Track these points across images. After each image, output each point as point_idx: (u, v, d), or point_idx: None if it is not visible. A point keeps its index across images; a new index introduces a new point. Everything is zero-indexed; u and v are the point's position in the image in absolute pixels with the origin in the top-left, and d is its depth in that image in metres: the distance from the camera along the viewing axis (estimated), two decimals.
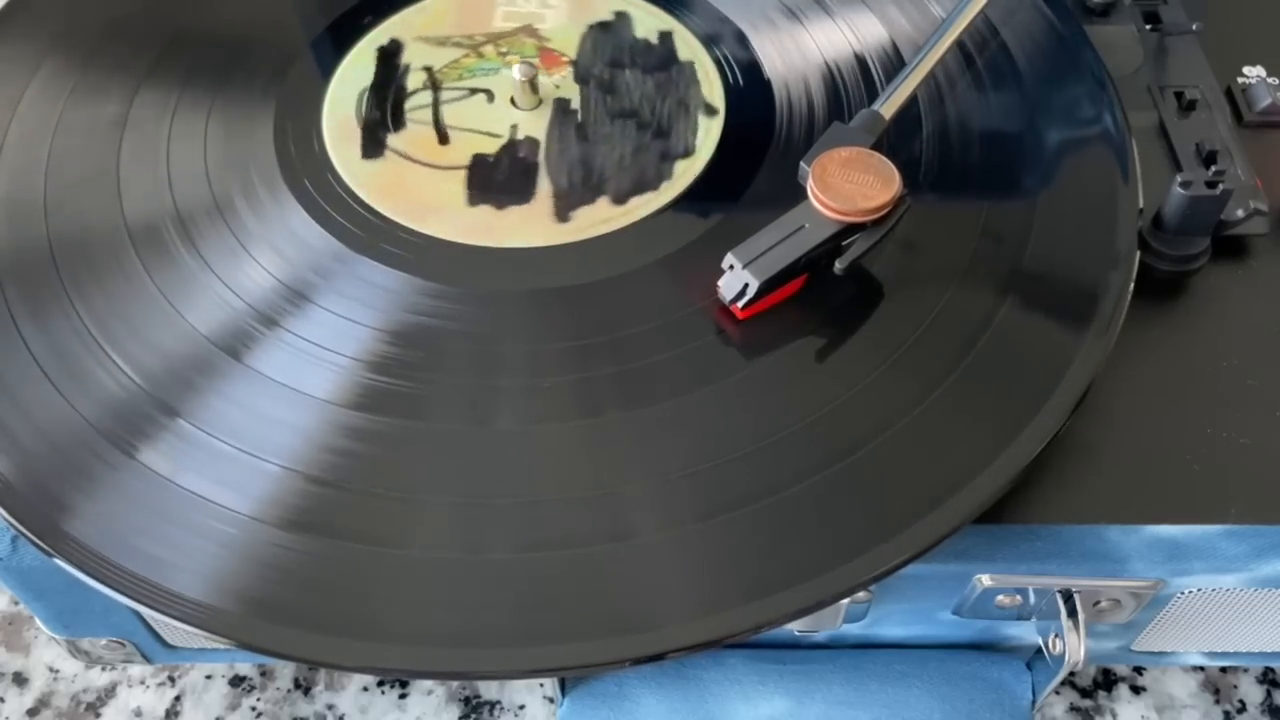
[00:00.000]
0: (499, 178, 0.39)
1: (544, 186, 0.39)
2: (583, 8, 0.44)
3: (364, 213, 0.38)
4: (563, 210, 0.38)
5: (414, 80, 0.42)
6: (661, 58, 0.42)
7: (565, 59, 0.42)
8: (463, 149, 0.40)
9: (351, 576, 0.31)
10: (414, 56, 0.43)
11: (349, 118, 0.41)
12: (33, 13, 0.44)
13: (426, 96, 0.42)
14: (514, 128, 0.41)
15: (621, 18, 0.44)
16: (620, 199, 0.38)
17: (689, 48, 0.42)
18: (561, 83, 0.42)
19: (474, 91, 0.42)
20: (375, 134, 0.41)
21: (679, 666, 0.38)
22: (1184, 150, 0.41)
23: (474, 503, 0.32)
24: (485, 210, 0.38)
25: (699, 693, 0.37)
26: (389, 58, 0.43)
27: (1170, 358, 0.37)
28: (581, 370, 0.34)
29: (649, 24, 0.43)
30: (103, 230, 0.38)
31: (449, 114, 0.41)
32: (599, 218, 0.38)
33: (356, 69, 0.43)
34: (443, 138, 0.41)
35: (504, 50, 0.43)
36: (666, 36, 0.42)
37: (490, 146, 0.40)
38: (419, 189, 0.39)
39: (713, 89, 0.41)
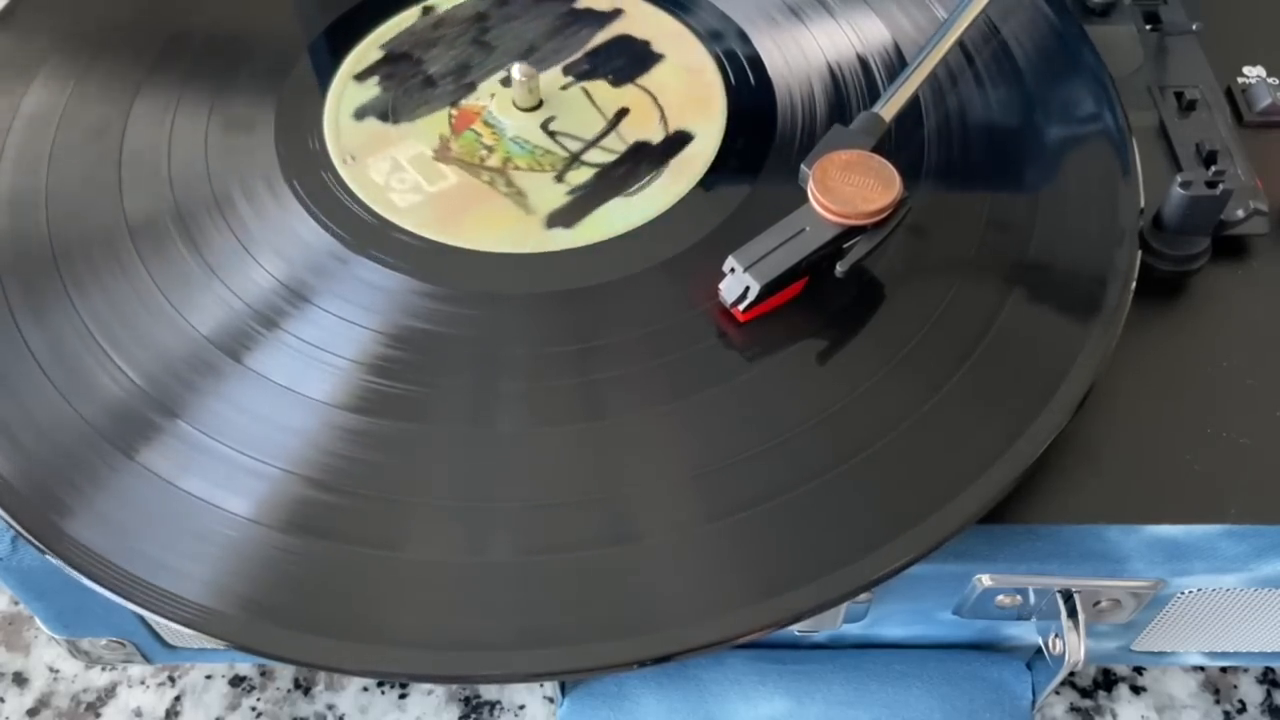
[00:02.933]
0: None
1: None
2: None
3: (365, 214, 0.38)
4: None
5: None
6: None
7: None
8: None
9: (351, 579, 0.31)
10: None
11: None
12: (34, 12, 0.44)
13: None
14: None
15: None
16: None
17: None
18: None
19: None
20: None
21: (679, 666, 0.38)
22: (1184, 150, 0.41)
23: (475, 506, 0.32)
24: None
25: (699, 693, 0.37)
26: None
27: (1170, 358, 0.37)
28: (583, 373, 0.34)
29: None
30: (104, 230, 0.38)
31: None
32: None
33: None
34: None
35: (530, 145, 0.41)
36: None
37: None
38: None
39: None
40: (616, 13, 0.44)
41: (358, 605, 0.30)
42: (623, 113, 0.41)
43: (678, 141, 0.41)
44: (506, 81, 0.42)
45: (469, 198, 0.39)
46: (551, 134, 0.41)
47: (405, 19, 0.44)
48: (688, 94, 0.42)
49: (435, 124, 0.41)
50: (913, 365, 0.34)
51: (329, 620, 0.30)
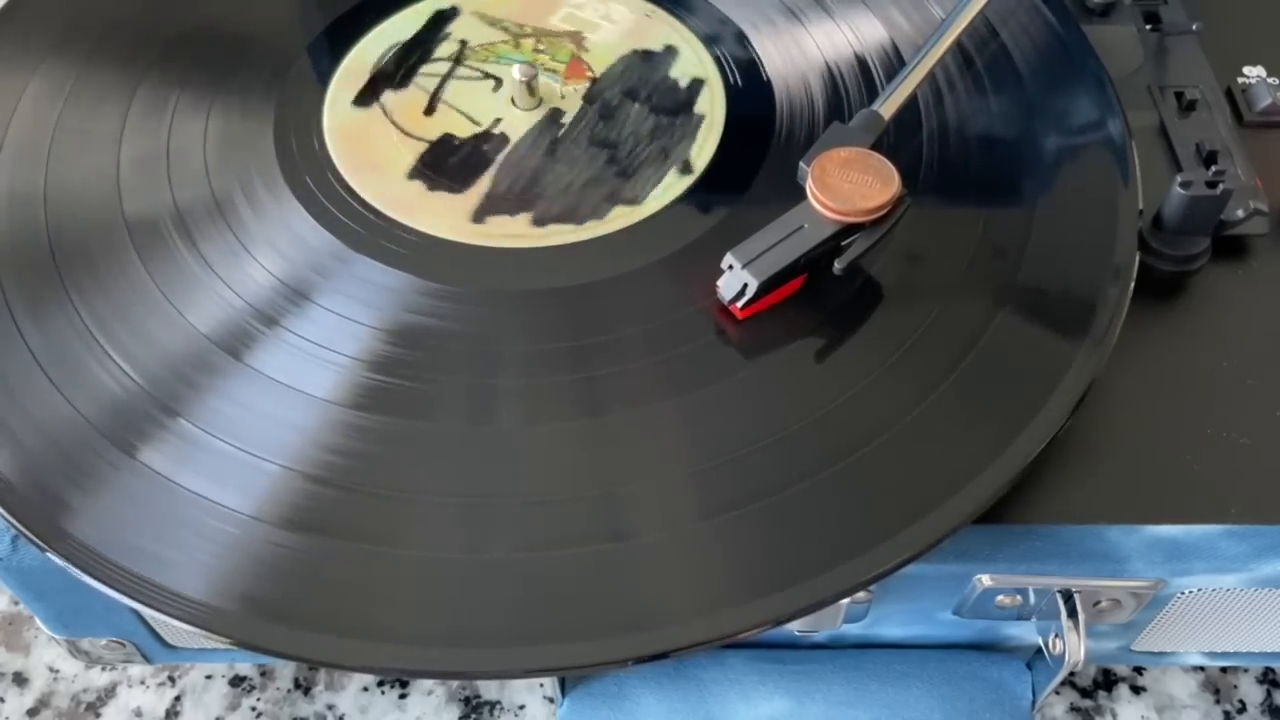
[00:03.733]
0: (451, 161, 0.40)
1: (482, 184, 0.39)
2: (638, 32, 0.44)
3: (364, 211, 0.38)
4: (481, 213, 0.38)
5: (444, 49, 0.43)
6: (677, 103, 0.41)
7: (589, 74, 0.42)
8: (439, 125, 0.41)
9: (352, 576, 0.31)
10: (461, 27, 0.43)
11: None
12: (33, 12, 0.44)
13: (443, 67, 0.42)
14: (497, 121, 0.41)
15: (668, 52, 0.43)
16: (541, 222, 0.38)
17: (710, 102, 0.41)
18: (569, 94, 0.42)
19: (487, 76, 0.42)
20: (377, 85, 0.42)
21: (679, 666, 0.38)
22: (1184, 150, 0.41)
23: (474, 502, 0.32)
24: (416, 185, 0.39)
25: (699, 693, 0.37)
26: (440, 21, 0.44)
27: (1170, 358, 0.37)
28: (581, 370, 0.34)
29: (688, 68, 0.42)
30: (103, 229, 0.38)
31: (452, 90, 0.42)
32: (509, 231, 0.38)
33: (399, 26, 0.44)
34: (430, 109, 0.41)
35: (541, 48, 0.43)
36: (697, 84, 0.42)
37: (464, 130, 0.41)
38: (376, 147, 0.40)
39: (703, 150, 0.40)
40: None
41: (357, 602, 0.30)
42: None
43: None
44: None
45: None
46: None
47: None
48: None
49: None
50: (911, 363, 0.34)
51: (328, 617, 0.30)
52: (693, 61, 0.42)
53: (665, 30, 0.43)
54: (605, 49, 0.43)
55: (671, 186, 0.39)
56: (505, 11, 0.44)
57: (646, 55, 0.43)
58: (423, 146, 0.40)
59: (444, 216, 0.38)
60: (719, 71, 0.42)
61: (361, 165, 0.39)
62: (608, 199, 0.38)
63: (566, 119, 0.41)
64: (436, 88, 0.42)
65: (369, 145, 0.40)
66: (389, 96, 0.41)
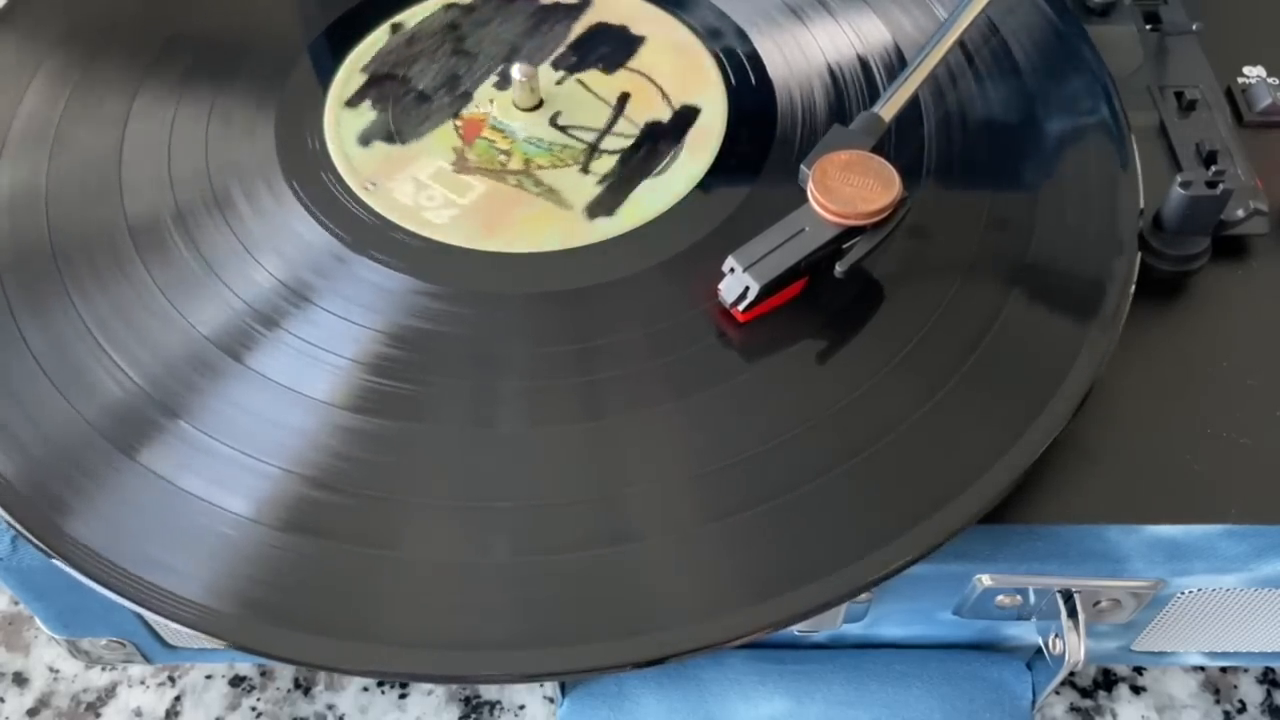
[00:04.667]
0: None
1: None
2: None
3: (364, 213, 0.38)
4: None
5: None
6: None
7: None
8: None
9: (351, 579, 0.31)
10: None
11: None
12: (34, 12, 0.44)
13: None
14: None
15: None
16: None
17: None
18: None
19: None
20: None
21: (679, 667, 0.38)
22: (1184, 150, 0.41)
23: (475, 505, 0.32)
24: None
25: (699, 693, 0.37)
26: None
27: (1170, 358, 0.37)
28: (583, 373, 0.34)
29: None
30: (104, 230, 0.38)
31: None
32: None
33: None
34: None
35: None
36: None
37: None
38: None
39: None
40: (585, 3, 0.44)
41: (357, 605, 0.30)
42: (625, 97, 0.42)
43: (687, 116, 0.41)
44: (501, 85, 0.42)
45: (504, 203, 0.39)
46: (562, 129, 0.41)
47: (376, 39, 0.43)
48: (681, 70, 0.42)
49: (444, 138, 0.41)
50: (912, 365, 0.34)
51: (328, 620, 0.30)
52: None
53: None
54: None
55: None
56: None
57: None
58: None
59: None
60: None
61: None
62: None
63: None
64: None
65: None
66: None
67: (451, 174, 0.39)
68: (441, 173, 0.39)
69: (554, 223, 0.38)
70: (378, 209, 0.38)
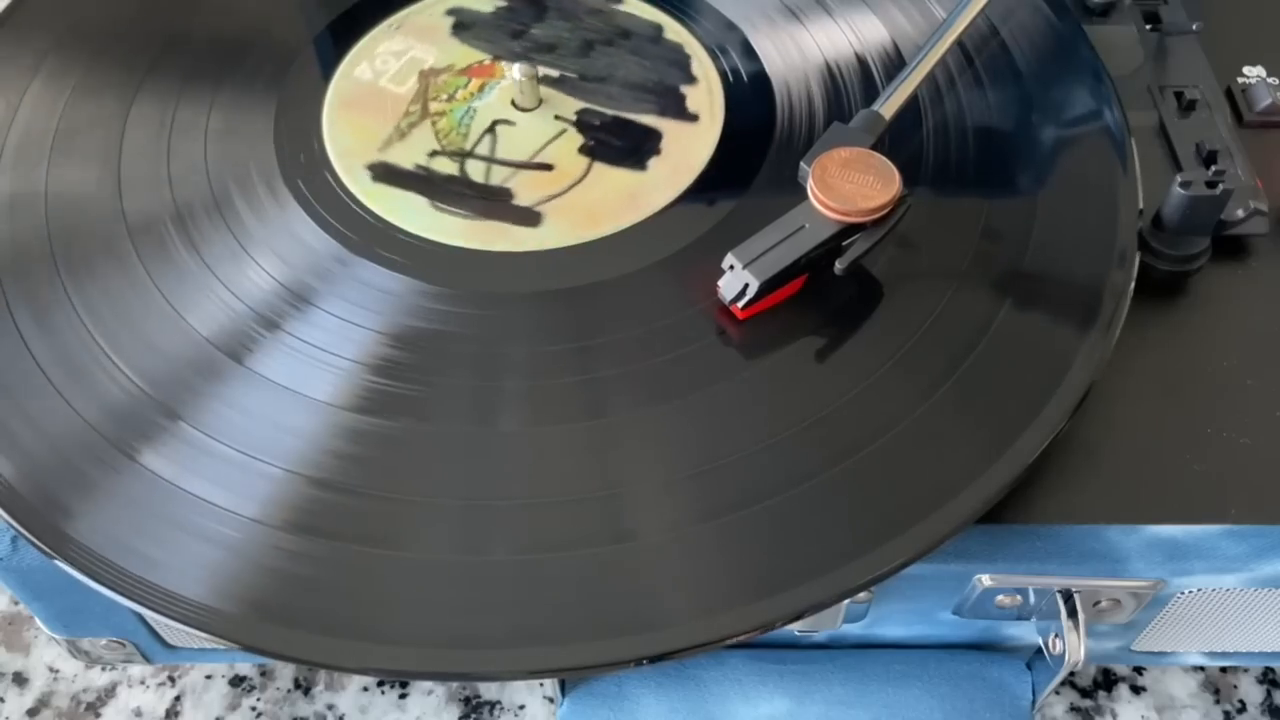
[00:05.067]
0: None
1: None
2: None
3: (364, 214, 0.38)
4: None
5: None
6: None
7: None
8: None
9: (353, 578, 0.31)
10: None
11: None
12: (34, 12, 0.44)
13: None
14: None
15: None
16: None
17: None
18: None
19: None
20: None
21: (679, 666, 0.38)
22: (1184, 150, 0.41)
23: (476, 504, 0.32)
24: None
25: (699, 693, 0.37)
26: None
27: (1170, 358, 0.37)
28: (582, 372, 0.34)
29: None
30: (104, 231, 0.38)
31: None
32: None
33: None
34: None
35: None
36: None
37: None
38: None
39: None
40: None
41: (358, 604, 0.30)
42: (544, 167, 0.40)
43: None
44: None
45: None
46: (490, 131, 0.41)
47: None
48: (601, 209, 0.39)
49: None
50: (912, 364, 0.34)
51: (329, 619, 0.30)
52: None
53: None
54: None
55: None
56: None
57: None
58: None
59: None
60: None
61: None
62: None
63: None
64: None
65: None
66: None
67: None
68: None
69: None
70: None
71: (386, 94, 0.42)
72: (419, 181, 0.39)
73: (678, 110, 0.41)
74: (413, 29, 0.44)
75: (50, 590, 0.35)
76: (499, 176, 0.39)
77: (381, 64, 0.43)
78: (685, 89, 0.42)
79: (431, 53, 0.43)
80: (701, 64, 0.42)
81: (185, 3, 0.44)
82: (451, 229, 0.38)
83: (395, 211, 0.38)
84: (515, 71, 0.40)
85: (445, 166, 0.40)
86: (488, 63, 0.43)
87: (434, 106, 0.41)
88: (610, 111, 0.41)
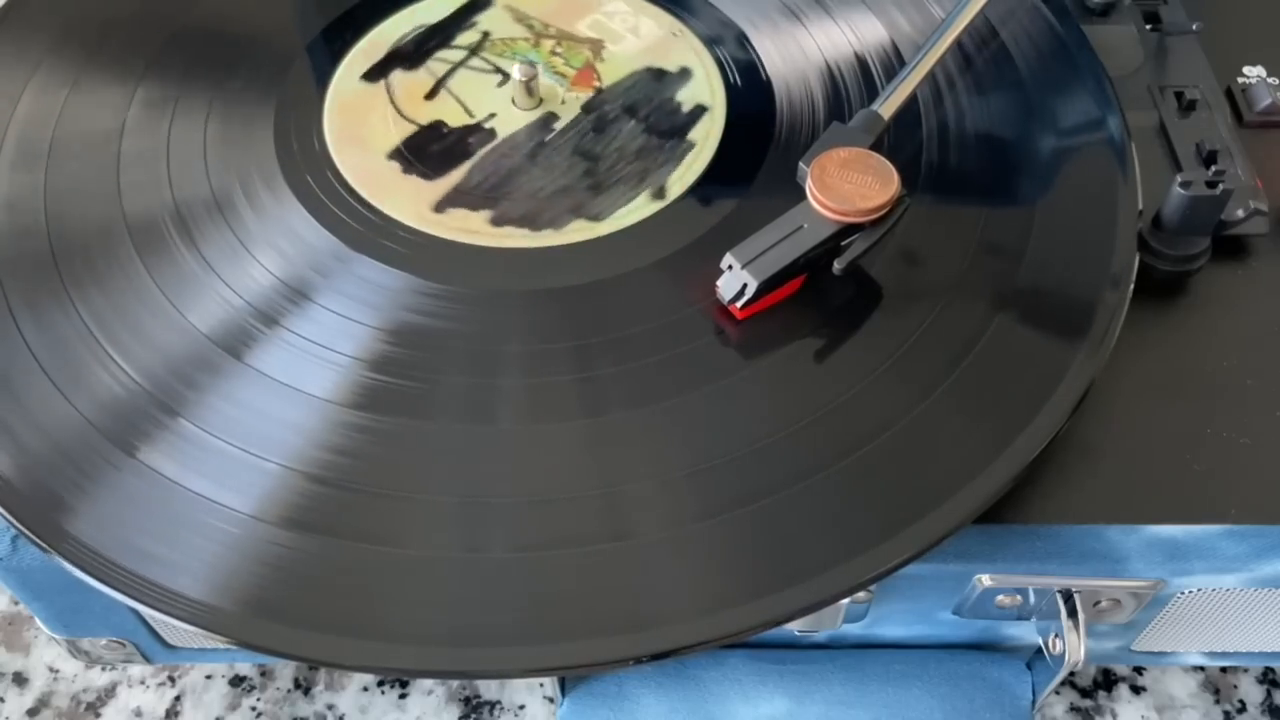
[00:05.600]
0: (433, 149, 0.40)
1: (455, 175, 0.39)
2: (658, 50, 0.43)
3: (364, 211, 0.38)
4: (445, 203, 0.38)
5: (466, 37, 0.43)
6: (673, 127, 0.41)
7: (596, 83, 0.42)
8: (435, 110, 0.41)
9: (352, 576, 0.31)
10: (489, 18, 0.44)
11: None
12: (32, 11, 0.44)
13: (459, 55, 0.43)
14: (491, 115, 0.41)
15: (682, 74, 0.42)
16: (499, 223, 0.38)
17: (708, 130, 0.40)
18: (569, 100, 0.41)
19: (497, 70, 0.42)
20: (389, 63, 0.42)
21: (679, 666, 0.38)
22: (1184, 150, 0.41)
23: (474, 501, 0.32)
24: (393, 167, 0.40)
25: (699, 692, 0.37)
26: (471, 9, 0.44)
27: (1170, 358, 0.37)
28: (582, 370, 0.34)
29: (697, 92, 0.42)
30: (103, 229, 0.38)
31: (458, 79, 0.42)
32: (466, 227, 0.38)
33: (429, 9, 0.44)
34: (432, 93, 0.42)
35: (558, 51, 0.43)
36: (699, 110, 0.41)
37: (457, 119, 0.41)
38: (367, 121, 0.41)
39: (683, 178, 0.39)
40: None
41: (357, 601, 0.30)
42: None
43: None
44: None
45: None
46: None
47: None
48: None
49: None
50: (910, 363, 0.34)
51: (328, 616, 0.30)
52: (703, 87, 0.42)
53: (686, 53, 0.43)
54: (621, 61, 0.43)
55: (639, 209, 0.38)
56: (536, 9, 0.44)
57: (659, 74, 0.42)
58: (412, 129, 0.40)
59: (409, 200, 0.38)
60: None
61: (344, 134, 0.40)
62: (571, 211, 0.38)
63: (559, 125, 0.41)
64: (445, 74, 0.42)
65: (360, 118, 0.41)
66: (397, 75, 0.42)
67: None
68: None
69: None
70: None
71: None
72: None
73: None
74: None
75: (50, 590, 0.35)
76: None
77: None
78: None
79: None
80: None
81: (185, 2, 0.44)
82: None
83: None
84: (515, 72, 0.40)
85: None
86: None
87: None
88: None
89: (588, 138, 0.40)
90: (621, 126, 0.41)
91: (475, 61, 0.42)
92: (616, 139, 0.40)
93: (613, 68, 0.43)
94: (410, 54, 0.42)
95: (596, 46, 0.43)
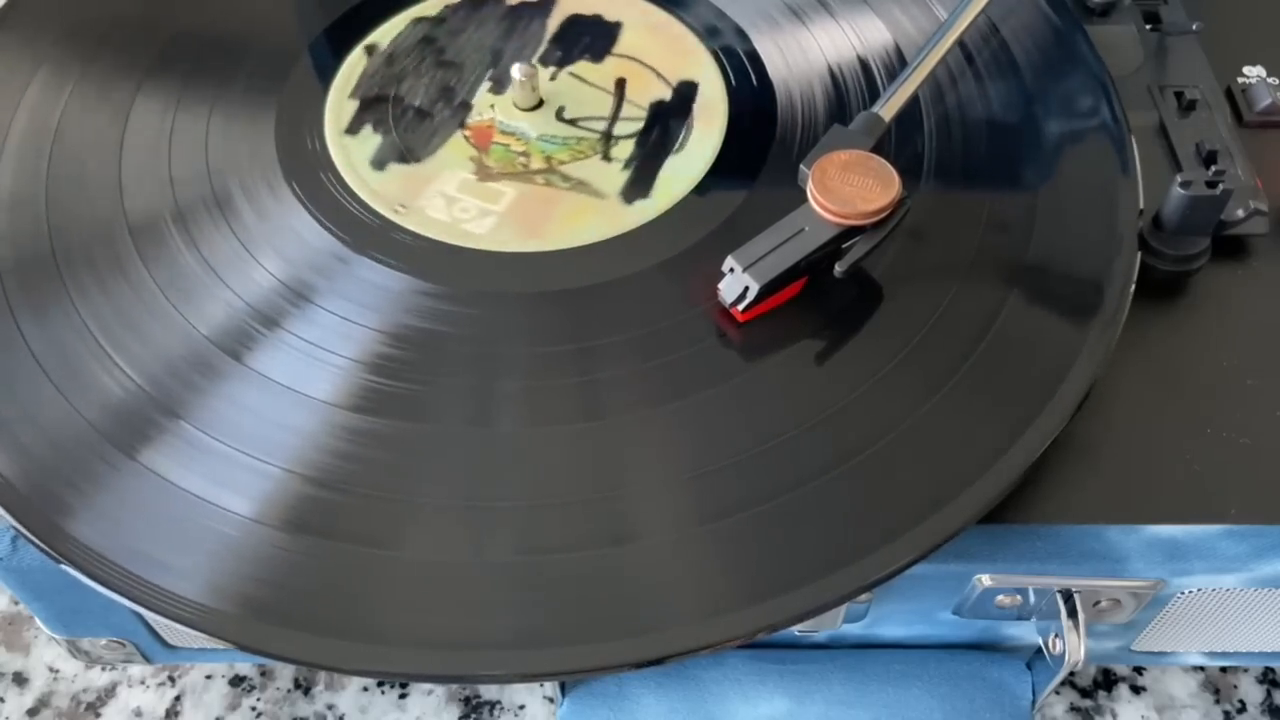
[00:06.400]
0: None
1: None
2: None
3: (365, 213, 0.38)
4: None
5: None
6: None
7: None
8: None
9: (352, 579, 0.31)
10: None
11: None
12: (34, 11, 0.44)
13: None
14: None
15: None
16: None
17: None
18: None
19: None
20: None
21: (679, 666, 0.38)
22: (1184, 150, 0.41)
23: (475, 505, 0.32)
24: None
25: (699, 693, 0.37)
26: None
27: (1170, 358, 0.37)
28: (582, 373, 0.34)
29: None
30: (104, 230, 0.38)
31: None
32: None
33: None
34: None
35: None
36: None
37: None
38: None
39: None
40: None
41: (357, 604, 0.30)
42: (621, 82, 0.42)
43: (687, 92, 0.41)
44: (496, 89, 0.42)
45: (540, 203, 0.39)
46: (571, 122, 0.41)
47: (355, 64, 0.43)
48: (666, 48, 0.43)
49: (458, 149, 0.40)
50: (912, 366, 0.34)
51: (328, 620, 0.30)
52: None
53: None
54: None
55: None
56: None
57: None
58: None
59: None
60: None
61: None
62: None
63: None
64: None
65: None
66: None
67: (477, 183, 0.39)
68: (467, 183, 0.39)
69: (595, 213, 0.38)
70: (413, 228, 0.38)
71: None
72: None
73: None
74: None
75: (50, 590, 0.35)
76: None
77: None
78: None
79: (450, 182, 0.40)
80: (664, 19, 0.42)
81: (186, 2, 0.44)
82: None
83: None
84: (516, 72, 0.40)
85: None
86: (472, 130, 0.41)
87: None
88: None
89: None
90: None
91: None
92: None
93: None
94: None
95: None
